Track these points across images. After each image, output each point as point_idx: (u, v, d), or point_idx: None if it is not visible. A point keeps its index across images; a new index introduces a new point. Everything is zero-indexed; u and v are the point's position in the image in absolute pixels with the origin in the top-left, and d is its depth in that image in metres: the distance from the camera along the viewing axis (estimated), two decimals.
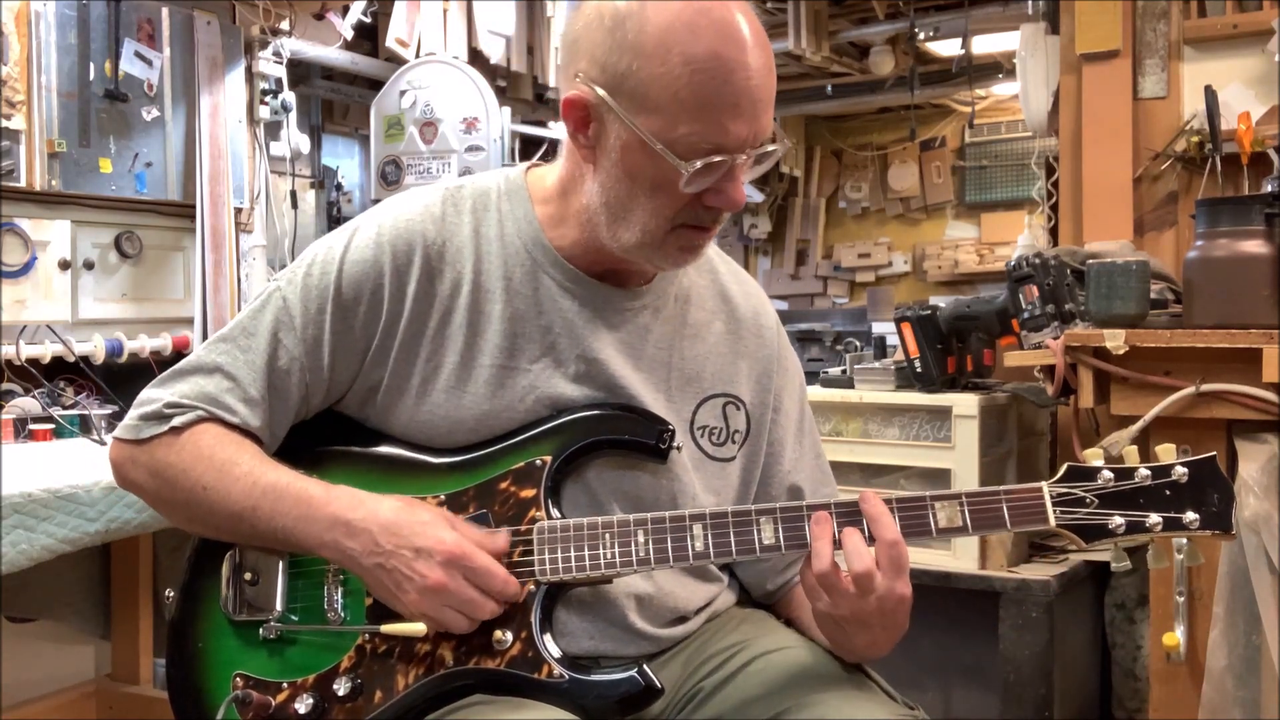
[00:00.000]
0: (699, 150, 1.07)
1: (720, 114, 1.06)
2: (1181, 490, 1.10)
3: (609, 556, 1.12)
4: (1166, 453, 1.13)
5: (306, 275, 1.20)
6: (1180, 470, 1.11)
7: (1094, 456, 1.13)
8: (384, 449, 1.20)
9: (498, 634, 1.12)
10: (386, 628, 1.12)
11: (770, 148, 1.11)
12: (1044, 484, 1.12)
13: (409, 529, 1.10)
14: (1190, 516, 1.10)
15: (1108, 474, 1.11)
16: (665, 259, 1.17)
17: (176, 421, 1.17)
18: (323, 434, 1.23)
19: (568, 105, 1.12)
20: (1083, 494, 1.11)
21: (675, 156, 1.07)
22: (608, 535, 1.12)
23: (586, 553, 1.12)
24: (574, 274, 1.21)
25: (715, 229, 1.16)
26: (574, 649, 1.16)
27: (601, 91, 1.09)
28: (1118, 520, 1.10)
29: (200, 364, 1.20)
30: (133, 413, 1.21)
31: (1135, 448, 1.14)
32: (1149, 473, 1.11)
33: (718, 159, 1.07)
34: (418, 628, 1.11)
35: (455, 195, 1.24)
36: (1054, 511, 1.10)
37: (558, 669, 1.11)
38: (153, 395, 1.20)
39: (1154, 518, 1.10)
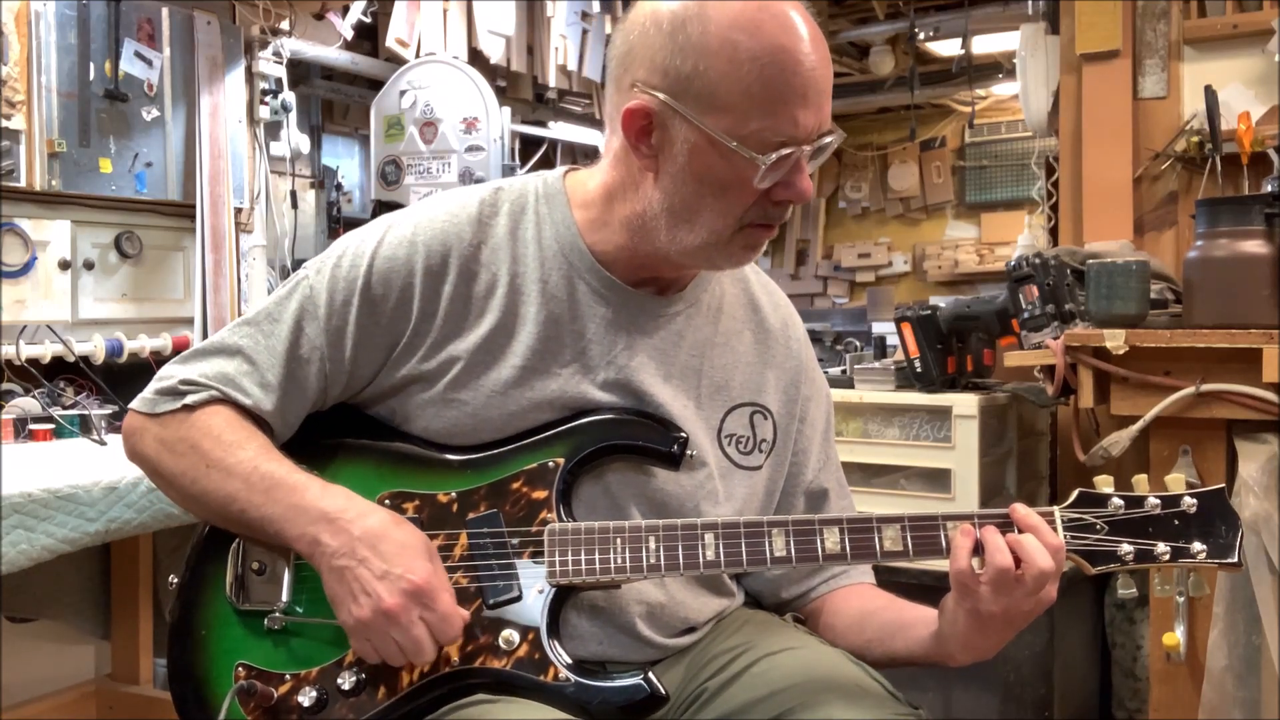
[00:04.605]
0: (771, 144, 1.07)
1: (790, 106, 1.07)
2: (1190, 521, 1.11)
3: (619, 561, 1.11)
4: (1176, 483, 1.13)
5: (336, 266, 1.20)
6: (1189, 501, 1.12)
7: (1104, 484, 1.14)
8: (398, 444, 1.20)
9: (505, 635, 1.11)
10: None
11: (827, 139, 1.12)
12: (1056, 509, 1.13)
13: (387, 546, 1.08)
14: (1198, 547, 1.11)
15: (1118, 501, 1.12)
16: (729, 258, 1.17)
17: (190, 399, 1.17)
18: (338, 427, 1.23)
19: (629, 115, 1.11)
20: (1093, 520, 1.12)
21: (751, 151, 1.07)
22: (619, 540, 1.12)
23: (597, 557, 1.12)
24: (609, 280, 1.20)
25: (778, 225, 1.16)
26: (581, 652, 1.16)
27: (664, 96, 1.09)
28: (1126, 548, 1.11)
29: (222, 345, 1.21)
30: (150, 386, 1.22)
31: (1145, 476, 1.15)
32: (1158, 502, 1.12)
33: (788, 151, 1.08)
34: None
35: (493, 197, 1.24)
36: (1065, 536, 1.11)
37: (564, 672, 1.11)
38: (171, 371, 1.21)
39: (1162, 547, 1.11)
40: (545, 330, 1.19)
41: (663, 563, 1.11)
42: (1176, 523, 1.11)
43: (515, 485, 1.16)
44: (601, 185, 1.21)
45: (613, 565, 1.12)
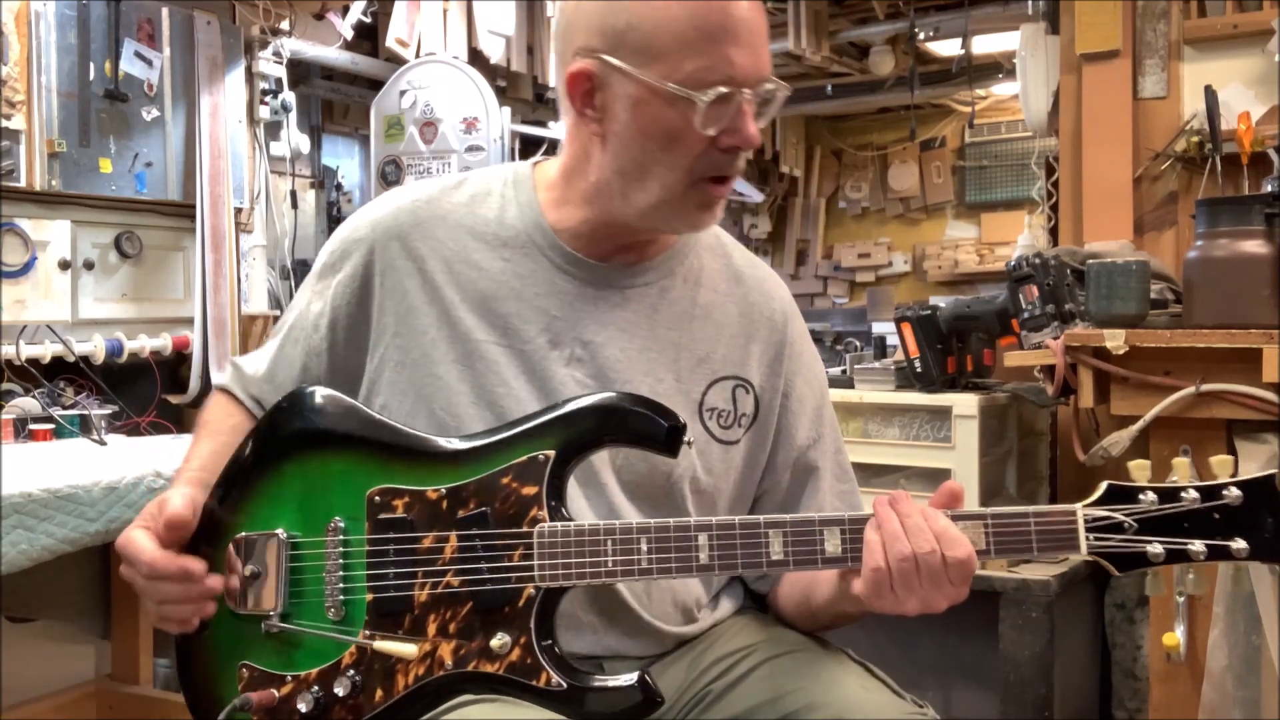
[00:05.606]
0: (708, 83, 1.10)
1: (723, 44, 1.10)
2: (1232, 514, 0.99)
3: (610, 565, 1.10)
4: (1222, 466, 1.02)
5: (326, 254, 1.30)
6: (1233, 492, 1.00)
7: (1139, 472, 1.04)
8: (388, 436, 1.19)
9: (497, 638, 1.11)
10: (379, 645, 1.12)
11: (770, 85, 1.14)
12: (1078, 507, 1.03)
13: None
14: (1239, 545, 0.99)
15: (1150, 495, 1.01)
16: (684, 219, 1.18)
17: (217, 380, 1.40)
18: (331, 417, 1.22)
19: (571, 80, 1.14)
20: (1121, 519, 1.01)
21: (689, 91, 1.09)
22: (609, 542, 1.10)
23: (588, 560, 1.11)
24: (573, 256, 1.22)
25: (731, 182, 1.17)
26: (577, 645, 1.16)
27: (603, 55, 1.12)
28: (1157, 549, 1.00)
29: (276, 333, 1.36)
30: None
31: (1187, 460, 1.04)
32: (1197, 494, 1.00)
33: (726, 90, 1.10)
34: (408, 649, 1.11)
35: (458, 182, 1.29)
36: (1087, 538, 1.02)
37: (556, 678, 1.10)
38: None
39: (1197, 545, 1.00)
40: (506, 307, 1.21)
41: (655, 566, 1.10)
42: (1217, 516, 1.00)
43: (505, 480, 1.14)
44: (560, 168, 1.24)
45: (604, 569, 1.10)
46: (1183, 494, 1.01)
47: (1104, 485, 1.04)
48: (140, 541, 1.14)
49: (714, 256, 1.31)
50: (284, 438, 1.21)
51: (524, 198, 1.25)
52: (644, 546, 1.10)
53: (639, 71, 1.10)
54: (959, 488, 1.08)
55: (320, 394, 1.23)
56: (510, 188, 1.27)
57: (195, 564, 1.14)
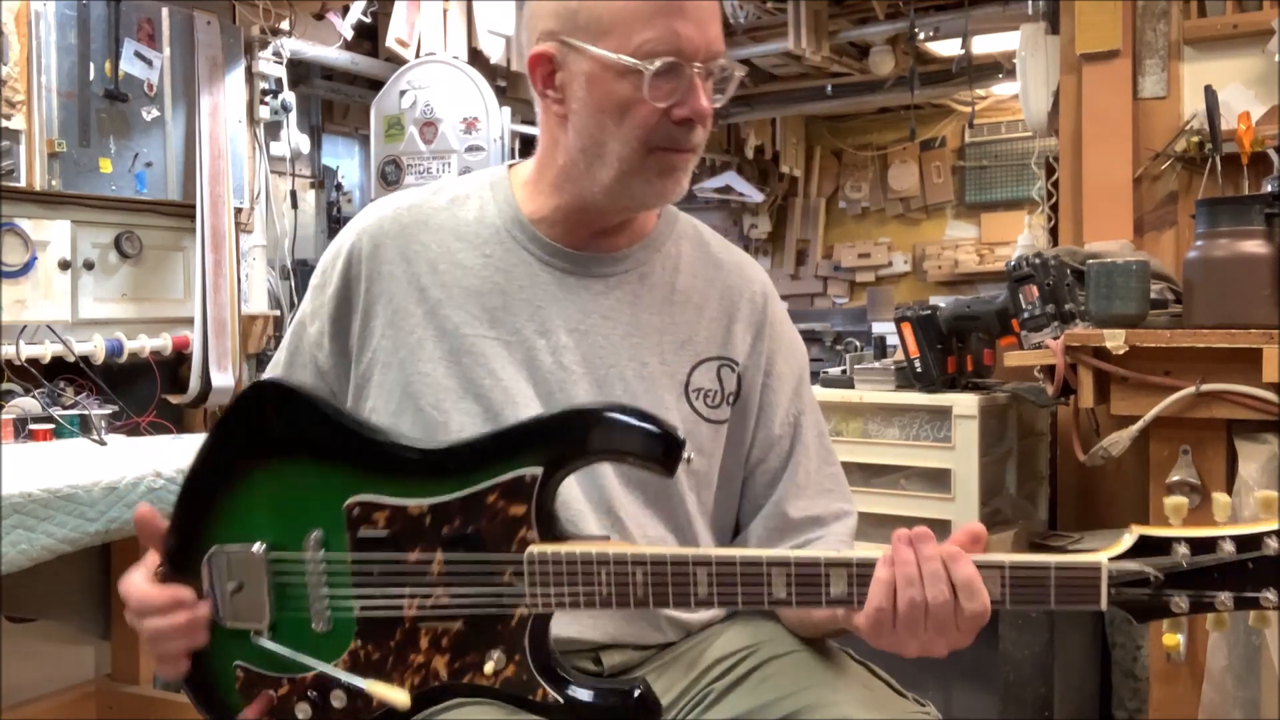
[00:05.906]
0: (655, 55, 1.14)
1: (669, 18, 1.14)
2: (1267, 565, 0.94)
3: (604, 594, 1.06)
4: (1268, 505, 0.97)
5: (318, 272, 1.32)
6: (1274, 545, 0.94)
7: (1175, 510, 1.00)
8: (367, 440, 1.14)
9: (490, 655, 1.09)
10: (370, 688, 1.10)
11: (722, 63, 1.17)
12: (1103, 560, 0.97)
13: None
14: (1270, 596, 0.94)
15: (1184, 549, 0.96)
16: (648, 188, 1.20)
17: None
18: (314, 421, 1.16)
19: (532, 63, 1.19)
20: (1149, 572, 0.96)
21: (635, 60, 1.13)
22: (603, 572, 1.06)
23: (581, 589, 1.07)
24: (552, 246, 1.25)
25: (690, 152, 1.19)
26: (578, 632, 1.17)
27: (561, 36, 1.17)
28: (1182, 603, 0.95)
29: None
30: None
31: (1227, 499, 1.00)
32: (1234, 547, 0.95)
33: (672, 59, 1.13)
34: (400, 699, 1.09)
35: (437, 189, 1.32)
36: (1109, 591, 0.97)
37: (551, 694, 1.08)
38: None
39: (1224, 596, 0.95)
40: (492, 301, 1.23)
41: (651, 598, 1.06)
42: (1251, 566, 0.94)
43: (491, 499, 1.09)
44: (535, 162, 1.28)
45: (597, 597, 1.07)
46: (1220, 544, 0.95)
47: (1135, 535, 0.98)
48: (131, 578, 1.15)
49: (691, 245, 1.34)
50: (253, 438, 1.16)
51: (501, 196, 1.29)
52: (639, 578, 1.05)
53: (591, 47, 1.14)
54: (981, 530, 1.02)
55: (285, 388, 1.20)
56: (488, 189, 1.30)
57: (184, 592, 1.13)
